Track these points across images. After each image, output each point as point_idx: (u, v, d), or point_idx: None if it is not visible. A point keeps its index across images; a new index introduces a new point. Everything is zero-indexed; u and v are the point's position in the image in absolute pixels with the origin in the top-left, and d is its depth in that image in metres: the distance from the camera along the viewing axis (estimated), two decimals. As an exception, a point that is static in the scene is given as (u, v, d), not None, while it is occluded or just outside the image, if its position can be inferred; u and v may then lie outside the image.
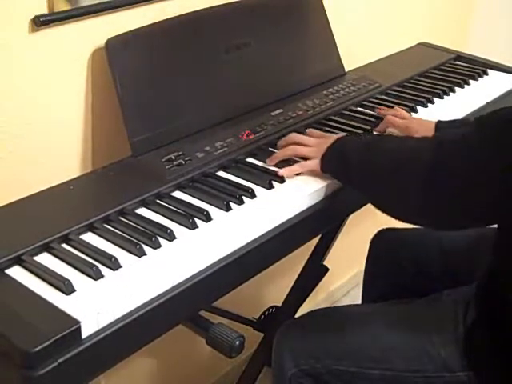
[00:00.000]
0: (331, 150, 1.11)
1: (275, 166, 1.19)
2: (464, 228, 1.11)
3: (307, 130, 1.27)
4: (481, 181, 0.93)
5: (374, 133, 1.35)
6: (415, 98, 1.53)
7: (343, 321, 1.22)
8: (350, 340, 1.17)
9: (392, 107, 1.45)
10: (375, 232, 1.47)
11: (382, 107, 1.43)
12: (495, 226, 1.04)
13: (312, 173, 1.16)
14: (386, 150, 1.06)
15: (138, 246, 0.96)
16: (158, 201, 1.10)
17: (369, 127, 1.35)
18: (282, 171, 1.15)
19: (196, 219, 1.03)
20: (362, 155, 1.07)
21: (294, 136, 1.22)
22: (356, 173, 1.07)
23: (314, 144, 1.17)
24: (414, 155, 1.00)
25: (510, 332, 1.01)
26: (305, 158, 1.17)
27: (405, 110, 1.43)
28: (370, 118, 1.41)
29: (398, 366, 1.10)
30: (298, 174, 1.17)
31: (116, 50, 1.18)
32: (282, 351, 1.21)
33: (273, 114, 1.36)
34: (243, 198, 1.10)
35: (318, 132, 1.26)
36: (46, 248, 0.97)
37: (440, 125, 1.28)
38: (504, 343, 1.02)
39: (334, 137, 1.16)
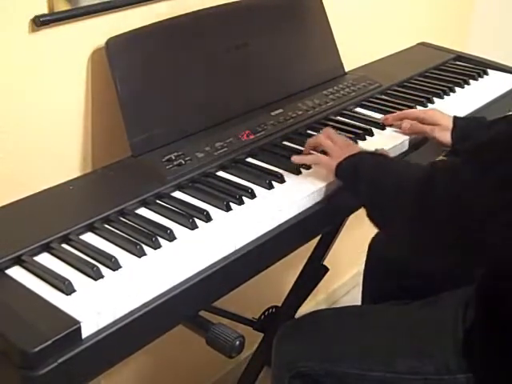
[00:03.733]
0: (348, 161, 1.12)
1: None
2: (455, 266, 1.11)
3: (332, 135, 1.22)
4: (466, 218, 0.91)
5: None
6: (415, 97, 1.53)
7: (342, 323, 1.22)
8: (349, 342, 1.17)
9: (392, 107, 1.45)
10: (375, 233, 1.47)
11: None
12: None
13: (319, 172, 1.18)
14: (390, 172, 1.08)
15: (138, 246, 0.96)
16: (158, 201, 1.10)
17: (368, 127, 1.36)
18: (294, 157, 1.19)
19: (196, 219, 1.04)
20: (371, 173, 1.09)
21: (323, 140, 1.20)
22: (363, 189, 1.09)
23: (341, 146, 1.17)
24: (406, 184, 1.01)
25: (508, 333, 1.01)
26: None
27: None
28: (370, 118, 1.41)
29: (398, 368, 1.10)
30: (308, 167, 1.20)
31: (116, 49, 1.18)
32: (281, 353, 1.21)
33: (273, 114, 1.36)
34: (243, 198, 1.10)
35: (343, 140, 1.22)
36: (46, 248, 0.97)
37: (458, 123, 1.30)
38: (503, 344, 1.02)
39: (356, 149, 1.17)
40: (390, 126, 1.38)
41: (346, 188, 1.14)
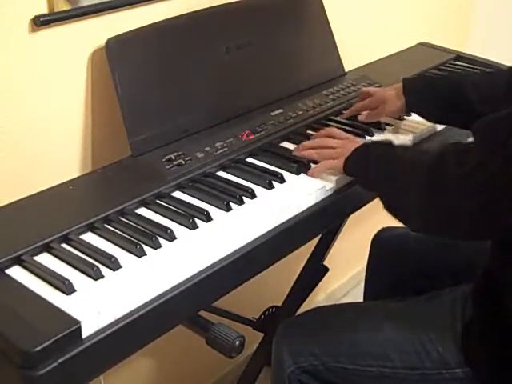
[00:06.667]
0: (355, 152, 1.14)
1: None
2: (468, 240, 1.13)
3: (331, 130, 1.28)
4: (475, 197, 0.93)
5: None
6: (415, 97, 1.53)
7: (341, 318, 1.22)
8: (348, 337, 1.17)
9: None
10: (376, 231, 1.47)
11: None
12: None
13: (331, 172, 1.18)
14: (401, 159, 1.09)
15: (138, 246, 0.96)
16: (158, 201, 1.10)
17: (368, 127, 1.36)
18: (310, 173, 1.18)
19: (196, 219, 1.04)
20: (382, 162, 1.10)
21: (321, 140, 1.25)
22: (375, 179, 1.10)
23: (340, 145, 1.19)
24: (418, 169, 1.03)
25: (505, 329, 1.01)
26: None
27: None
28: (370, 118, 1.41)
29: (396, 363, 1.10)
30: (309, 168, 1.19)
31: (116, 49, 1.18)
32: (281, 348, 1.21)
33: (273, 114, 1.36)
34: (243, 198, 1.10)
35: (344, 134, 1.27)
36: (46, 248, 0.97)
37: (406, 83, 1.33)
38: (500, 340, 1.03)
39: (360, 141, 1.19)
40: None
41: (357, 182, 1.15)
